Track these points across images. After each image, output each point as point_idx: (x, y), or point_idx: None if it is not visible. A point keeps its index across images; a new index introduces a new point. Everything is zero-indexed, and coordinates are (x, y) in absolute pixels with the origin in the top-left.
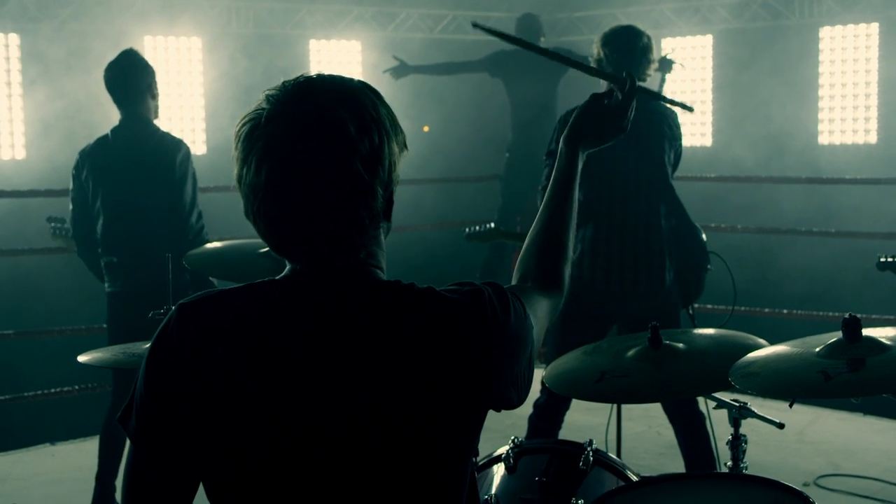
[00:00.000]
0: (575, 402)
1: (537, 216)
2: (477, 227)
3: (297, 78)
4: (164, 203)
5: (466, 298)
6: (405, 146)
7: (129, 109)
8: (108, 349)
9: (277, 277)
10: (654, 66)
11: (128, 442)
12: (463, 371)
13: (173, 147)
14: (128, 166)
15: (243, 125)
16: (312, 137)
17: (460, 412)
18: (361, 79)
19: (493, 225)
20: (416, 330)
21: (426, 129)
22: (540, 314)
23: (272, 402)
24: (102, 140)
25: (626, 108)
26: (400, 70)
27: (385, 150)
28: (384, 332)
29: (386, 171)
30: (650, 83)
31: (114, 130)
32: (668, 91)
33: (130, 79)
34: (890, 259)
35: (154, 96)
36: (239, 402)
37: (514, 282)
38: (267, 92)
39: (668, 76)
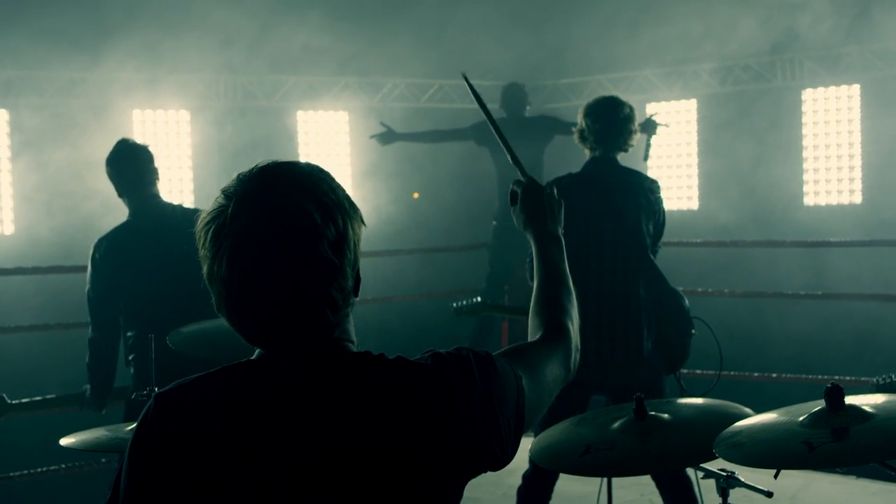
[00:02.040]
0: None
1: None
2: (464, 302)
3: (252, 171)
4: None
5: (431, 363)
6: (363, 222)
7: (145, 191)
8: (92, 431)
9: (254, 358)
10: (637, 136)
11: None
12: (434, 433)
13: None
14: (163, 246)
15: (208, 223)
16: (281, 231)
17: (439, 476)
18: (349, 149)
19: (479, 299)
20: (387, 398)
21: (416, 195)
22: (536, 363)
23: (251, 484)
24: (125, 226)
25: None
26: (387, 137)
27: (349, 232)
28: (359, 405)
29: (352, 251)
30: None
31: (133, 215)
32: (654, 154)
33: (141, 164)
34: (463, 304)
35: (158, 177)
36: (219, 487)
37: None
38: (225, 189)
39: (653, 138)
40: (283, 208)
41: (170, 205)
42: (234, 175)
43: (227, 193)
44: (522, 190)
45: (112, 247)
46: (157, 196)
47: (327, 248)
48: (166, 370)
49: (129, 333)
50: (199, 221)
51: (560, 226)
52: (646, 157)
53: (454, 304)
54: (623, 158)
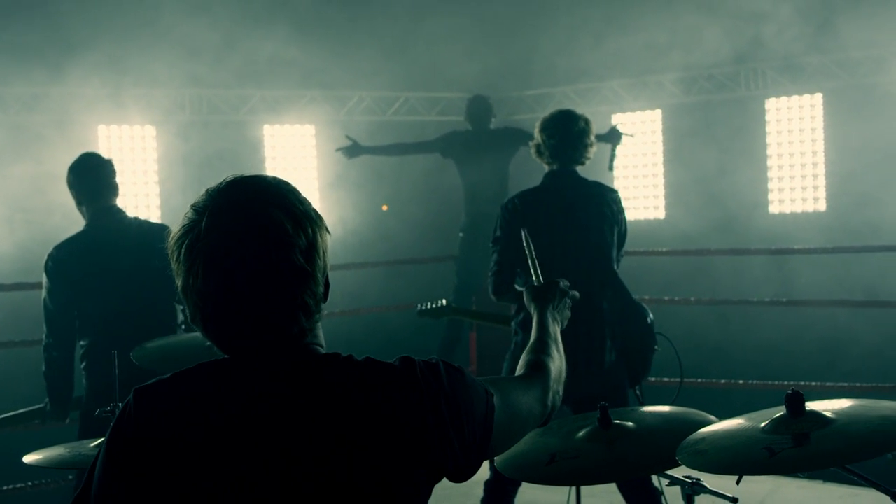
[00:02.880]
0: None
1: None
2: (429, 304)
3: (220, 185)
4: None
5: (400, 365)
6: (328, 231)
7: (103, 203)
8: (55, 448)
9: (229, 358)
10: (594, 149)
11: None
12: (402, 433)
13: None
14: (117, 257)
15: (181, 238)
16: (254, 242)
17: (407, 476)
18: (315, 162)
19: (444, 302)
20: (356, 398)
21: (385, 208)
22: (510, 390)
23: (225, 483)
24: (79, 237)
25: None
26: (352, 150)
27: (318, 241)
28: (329, 406)
29: (322, 259)
30: (600, 154)
31: (90, 224)
32: (620, 164)
33: (102, 176)
34: (428, 306)
35: (118, 191)
36: (192, 483)
37: None
38: (194, 204)
39: (618, 148)
40: (255, 219)
41: (128, 217)
42: (203, 190)
43: (197, 209)
44: (539, 287)
45: (66, 256)
46: (115, 208)
47: (299, 257)
48: (124, 384)
49: (81, 342)
50: (170, 236)
51: (562, 315)
52: (611, 167)
53: (419, 306)
54: (586, 169)
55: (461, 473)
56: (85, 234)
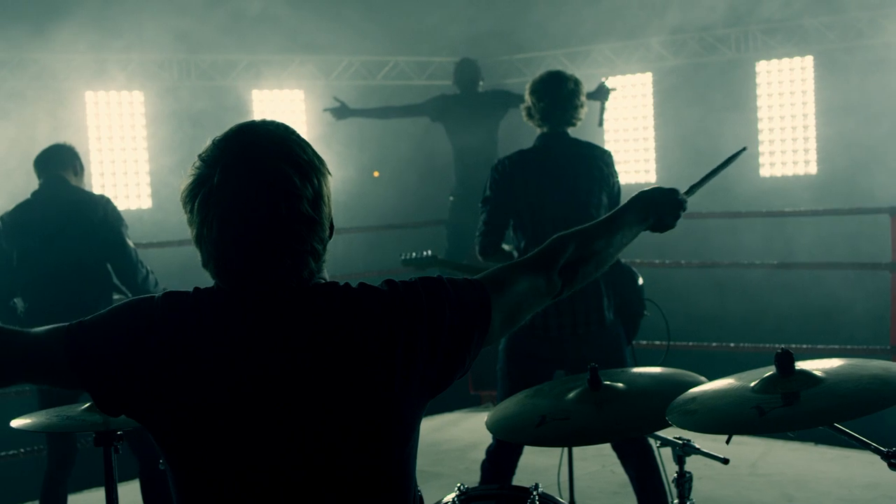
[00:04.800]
0: None
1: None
2: (414, 254)
3: (227, 135)
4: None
5: (385, 287)
6: (329, 173)
7: (51, 174)
8: (43, 413)
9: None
10: (585, 109)
11: None
12: (377, 349)
13: (93, 202)
14: (50, 223)
15: (193, 189)
16: (265, 196)
17: (388, 389)
18: (304, 128)
19: (430, 252)
20: (341, 319)
21: (376, 174)
22: (510, 280)
23: (229, 393)
24: (23, 203)
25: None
26: (340, 112)
27: (323, 188)
28: (319, 325)
29: (327, 205)
30: (591, 111)
31: (34, 193)
32: (610, 127)
33: (56, 155)
34: (413, 255)
35: (77, 173)
36: (200, 389)
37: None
38: (202, 155)
39: (606, 104)
40: (264, 174)
41: (71, 188)
42: (197, 150)
43: (206, 160)
44: (658, 191)
45: (7, 224)
46: (61, 178)
47: (307, 207)
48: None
49: (21, 307)
50: (181, 188)
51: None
52: (601, 123)
53: (402, 255)
54: (578, 129)
55: (461, 366)
56: (26, 202)
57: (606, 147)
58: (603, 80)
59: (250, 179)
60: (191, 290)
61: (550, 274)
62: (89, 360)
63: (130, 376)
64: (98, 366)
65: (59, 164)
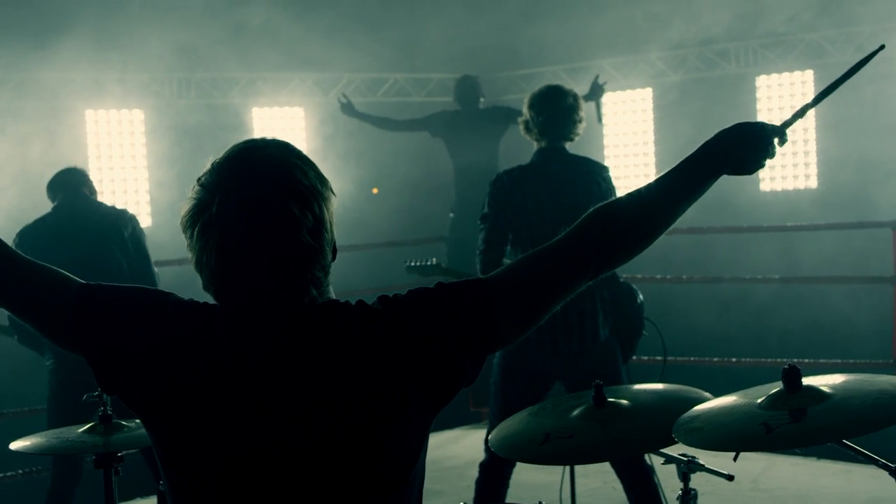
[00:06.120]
0: None
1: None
2: (418, 261)
3: (227, 157)
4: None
5: (378, 303)
6: (333, 192)
7: (71, 190)
8: (43, 434)
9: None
10: (583, 125)
11: None
12: (378, 364)
13: (116, 215)
14: (73, 236)
15: (193, 217)
16: (264, 227)
17: (392, 405)
18: (304, 145)
19: (434, 260)
20: (342, 336)
21: (375, 191)
22: (519, 271)
23: (229, 408)
24: (47, 217)
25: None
26: (347, 108)
27: (325, 215)
28: (322, 343)
29: (329, 231)
30: (590, 111)
31: (56, 207)
32: (609, 139)
33: (73, 176)
34: (417, 263)
35: (91, 193)
36: (201, 396)
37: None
38: (201, 180)
39: (602, 99)
40: (263, 204)
41: (95, 202)
42: (198, 171)
43: (205, 185)
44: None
45: (28, 237)
46: (82, 194)
47: (307, 236)
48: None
49: None
50: (182, 213)
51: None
52: (599, 119)
53: (407, 262)
54: (575, 145)
55: (460, 377)
56: (46, 218)
57: (606, 162)
58: (595, 78)
59: (249, 209)
60: None
61: (577, 252)
62: (93, 317)
63: (126, 348)
64: (99, 326)
65: (77, 183)
